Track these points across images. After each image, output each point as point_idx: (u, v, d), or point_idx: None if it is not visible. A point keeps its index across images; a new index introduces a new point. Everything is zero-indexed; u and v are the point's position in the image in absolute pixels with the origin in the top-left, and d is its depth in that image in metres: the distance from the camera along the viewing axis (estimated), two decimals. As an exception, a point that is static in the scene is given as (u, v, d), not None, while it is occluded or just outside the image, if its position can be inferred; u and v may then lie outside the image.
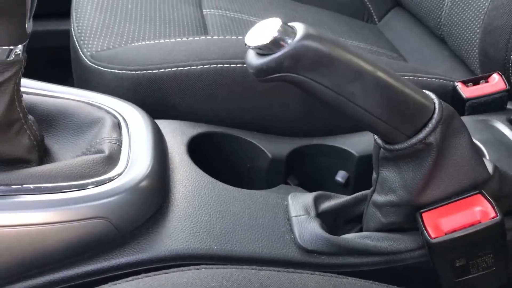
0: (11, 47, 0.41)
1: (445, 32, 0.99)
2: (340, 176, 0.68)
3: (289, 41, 0.37)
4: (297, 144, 0.65)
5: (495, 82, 0.71)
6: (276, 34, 0.37)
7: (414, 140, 0.44)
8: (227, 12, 0.92)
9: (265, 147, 0.63)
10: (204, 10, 0.91)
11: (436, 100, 0.44)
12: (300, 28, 0.38)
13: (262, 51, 0.37)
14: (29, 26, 0.41)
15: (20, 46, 0.41)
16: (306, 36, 0.37)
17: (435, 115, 0.43)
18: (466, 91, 0.71)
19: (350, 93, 0.40)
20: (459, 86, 0.72)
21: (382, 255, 0.50)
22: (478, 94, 0.70)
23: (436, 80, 0.75)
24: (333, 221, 0.56)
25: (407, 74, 0.73)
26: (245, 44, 0.37)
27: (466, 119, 0.70)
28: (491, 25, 0.74)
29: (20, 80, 0.44)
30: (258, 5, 1.01)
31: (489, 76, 0.72)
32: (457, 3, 0.95)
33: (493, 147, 0.64)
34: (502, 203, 0.51)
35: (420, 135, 0.43)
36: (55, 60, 0.92)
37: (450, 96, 0.73)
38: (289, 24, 0.38)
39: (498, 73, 0.72)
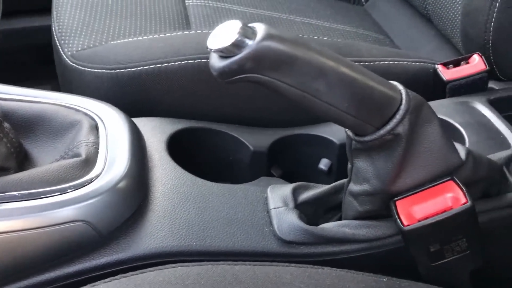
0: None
1: (431, 12, 0.99)
2: (323, 164, 0.69)
3: (250, 42, 0.37)
4: (279, 135, 0.66)
5: (475, 63, 0.71)
6: (236, 36, 0.37)
7: (382, 131, 0.44)
8: (209, 2, 0.92)
9: (246, 139, 0.63)
10: (186, 1, 0.91)
11: (403, 91, 0.45)
12: (260, 28, 0.38)
13: (224, 53, 0.38)
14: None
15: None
16: (266, 37, 0.37)
17: (402, 106, 0.44)
18: (447, 73, 0.71)
19: (315, 90, 0.40)
20: (440, 68, 0.72)
21: (361, 243, 0.51)
22: (458, 76, 0.71)
23: (417, 63, 0.75)
24: (314, 211, 0.56)
25: (387, 59, 0.73)
26: (207, 47, 0.38)
27: (446, 101, 0.71)
28: (470, 5, 0.74)
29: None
30: (242, -7, 1.00)
31: (470, 57, 0.72)
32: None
33: (473, 129, 0.65)
34: (476, 187, 0.52)
35: (388, 127, 0.44)
36: (43, 57, 0.93)
37: (431, 78, 0.74)
38: (250, 25, 0.39)
39: (478, 54, 0.72)
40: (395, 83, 0.45)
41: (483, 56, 0.71)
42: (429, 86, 0.73)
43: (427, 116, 0.46)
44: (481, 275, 0.53)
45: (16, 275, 0.44)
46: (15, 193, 0.44)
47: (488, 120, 0.66)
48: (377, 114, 0.44)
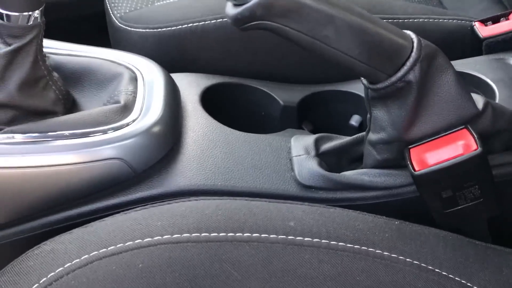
0: (30, 12, 0.47)
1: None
2: (354, 120, 0.71)
3: (260, -9, 0.40)
4: (309, 91, 0.68)
5: (515, 20, 0.70)
6: (247, -15, 0.40)
7: (394, 78, 0.46)
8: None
9: (277, 94, 0.67)
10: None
11: (415, 40, 0.46)
12: (270, -22, 0.41)
13: (237, 2, 0.41)
14: (42, -7, 0.48)
15: (37, 11, 0.48)
16: (275, -15, 0.40)
17: (413, 54, 0.45)
18: (484, 30, 0.71)
19: (324, 36, 0.43)
20: (477, 25, 0.71)
21: (378, 190, 0.54)
22: (495, 32, 0.70)
23: (454, 21, 0.74)
24: (338, 161, 0.59)
25: (421, 17, 0.73)
26: (222, -3, 0.42)
27: (481, 58, 0.70)
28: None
29: (42, 41, 0.51)
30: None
31: (510, 13, 0.71)
32: None
33: (505, 85, 0.65)
34: (498, 138, 0.53)
35: (399, 74, 0.46)
36: (99, 24, 0.99)
37: (469, 36, 0.73)
38: (262, -25, 0.42)
39: (519, 11, 0.70)
40: (408, 32, 0.47)
41: (524, 12, 0.70)
42: (467, 44, 0.73)
43: (441, 65, 0.48)
44: (502, 227, 0.54)
45: (63, 205, 0.51)
46: (65, 132, 0.50)
47: (523, 77, 0.65)
48: (388, 61, 0.46)
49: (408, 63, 0.46)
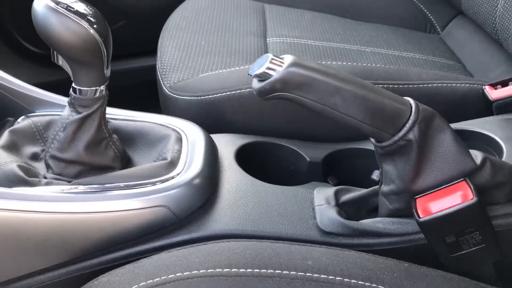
0: (97, 87, 0.59)
1: (501, 37, 1.04)
2: (376, 175, 0.78)
3: (279, 69, 0.50)
4: (333, 148, 0.77)
5: (522, 83, 0.77)
6: (268, 65, 0.50)
7: (396, 138, 0.54)
8: (288, 38, 1.06)
9: (304, 152, 0.75)
10: (267, 39, 1.06)
11: (413, 104, 0.54)
12: (287, 58, 0.51)
13: (261, 78, 0.51)
14: (107, 72, 0.60)
15: (103, 86, 0.60)
16: (291, 65, 0.50)
17: (411, 117, 0.53)
18: (493, 93, 0.77)
19: (333, 103, 0.52)
20: (487, 88, 0.78)
21: (392, 236, 0.60)
22: (504, 95, 0.77)
23: (466, 84, 0.82)
24: (356, 210, 0.66)
25: (435, 82, 0.81)
26: (248, 74, 0.52)
27: (491, 118, 0.77)
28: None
29: (105, 109, 0.62)
30: (318, 29, 1.13)
31: (517, 78, 0.78)
32: (507, 9, 1.00)
33: (512, 143, 0.71)
34: (500, 191, 0.58)
35: (400, 133, 0.54)
36: (151, 90, 1.13)
37: (480, 98, 0.80)
38: (281, 56, 0.52)
39: (525, 75, 0.77)
40: (407, 98, 0.55)
41: (530, 77, 0.77)
42: (478, 105, 0.80)
43: (439, 126, 0.55)
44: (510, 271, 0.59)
45: (117, 246, 0.60)
46: (120, 184, 0.61)
47: (529, 136, 0.71)
48: (391, 123, 0.54)
49: (408, 125, 0.53)
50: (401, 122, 0.54)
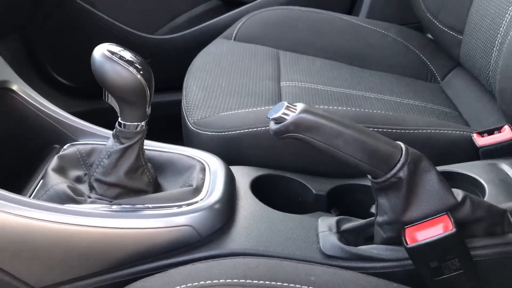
0: (138, 123, 0.70)
1: (493, 89, 1.15)
2: (373, 208, 0.87)
3: (292, 114, 0.61)
4: (336, 183, 0.87)
5: (506, 132, 0.87)
6: (283, 111, 0.61)
7: (388, 175, 0.64)
8: (300, 83, 1.17)
9: (310, 185, 0.86)
10: (281, 83, 1.18)
11: (403, 148, 0.64)
12: (300, 106, 0.62)
13: (277, 121, 0.62)
14: (148, 110, 0.71)
15: (143, 122, 0.71)
16: (302, 111, 0.61)
17: (402, 158, 0.64)
18: (480, 140, 0.87)
19: (336, 144, 0.62)
20: (474, 136, 0.88)
21: (385, 261, 0.69)
22: (489, 142, 0.86)
23: (456, 132, 0.92)
24: (355, 238, 0.76)
25: (429, 128, 0.91)
26: (267, 117, 0.63)
27: (478, 163, 0.86)
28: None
29: (143, 141, 0.73)
30: (327, 75, 1.24)
31: (502, 127, 0.88)
32: (498, 65, 1.11)
33: (494, 185, 0.80)
34: (479, 225, 0.68)
35: (392, 172, 0.64)
36: (176, 124, 1.24)
37: (469, 144, 0.90)
38: (294, 104, 0.63)
39: (509, 125, 0.87)
40: (399, 142, 0.65)
41: (512, 127, 0.87)
42: (467, 151, 0.90)
43: (426, 167, 0.65)
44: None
45: (145, 259, 0.70)
46: (150, 205, 0.71)
47: (510, 179, 0.81)
48: (384, 163, 0.64)
49: (398, 165, 0.64)
50: (393, 162, 0.64)
